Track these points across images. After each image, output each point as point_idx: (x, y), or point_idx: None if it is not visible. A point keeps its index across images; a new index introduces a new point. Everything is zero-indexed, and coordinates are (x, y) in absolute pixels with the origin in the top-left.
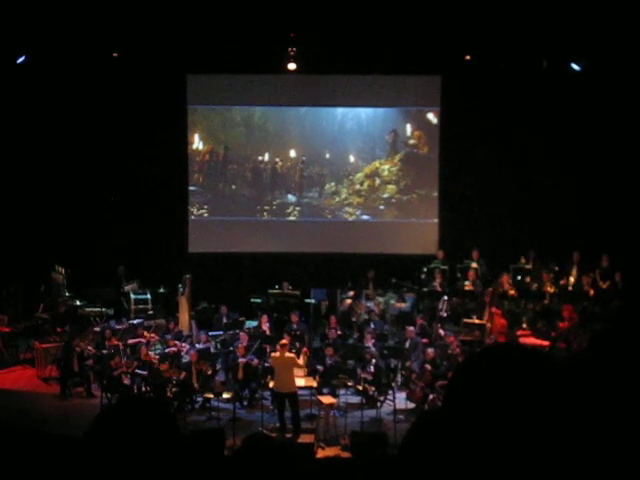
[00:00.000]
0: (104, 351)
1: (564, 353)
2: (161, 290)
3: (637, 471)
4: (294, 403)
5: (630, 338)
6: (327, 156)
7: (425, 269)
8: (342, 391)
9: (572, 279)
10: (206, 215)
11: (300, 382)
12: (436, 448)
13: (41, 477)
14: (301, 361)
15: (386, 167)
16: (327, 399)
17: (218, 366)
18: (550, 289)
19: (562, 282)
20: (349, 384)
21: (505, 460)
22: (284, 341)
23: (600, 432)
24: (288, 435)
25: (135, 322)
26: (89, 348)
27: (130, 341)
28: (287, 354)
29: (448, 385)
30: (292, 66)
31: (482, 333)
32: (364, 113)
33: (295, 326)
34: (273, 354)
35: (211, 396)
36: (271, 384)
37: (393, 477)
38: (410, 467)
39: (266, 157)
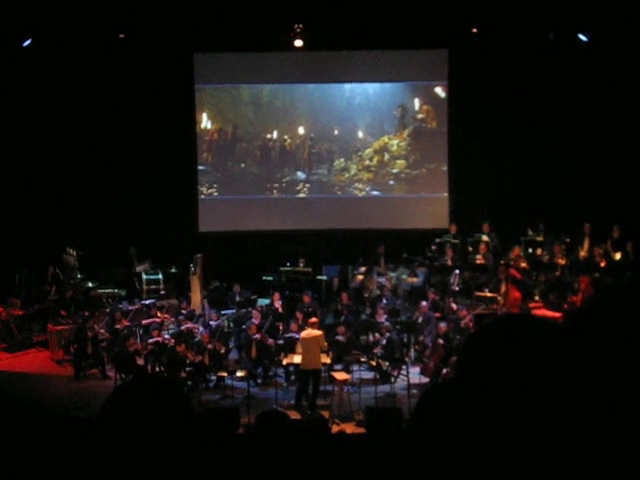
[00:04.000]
0: (117, 329)
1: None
2: (173, 270)
3: None
4: (317, 380)
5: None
6: (336, 132)
7: (436, 242)
8: (356, 367)
9: (583, 251)
10: (216, 194)
11: None
12: (446, 420)
13: (55, 458)
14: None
15: (395, 142)
16: (341, 375)
17: (231, 344)
18: (562, 261)
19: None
20: (362, 360)
21: (516, 432)
22: (314, 319)
23: (611, 404)
24: (305, 412)
25: (147, 302)
26: (102, 331)
27: (144, 322)
28: (315, 331)
29: (459, 356)
30: (299, 43)
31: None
32: (372, 88)
33: (307, 304)
34: (303, 333)
35: (225, 375)
36: (285, 361)
37: (406, 450)
38: (420, 439)
39: (275, 135)
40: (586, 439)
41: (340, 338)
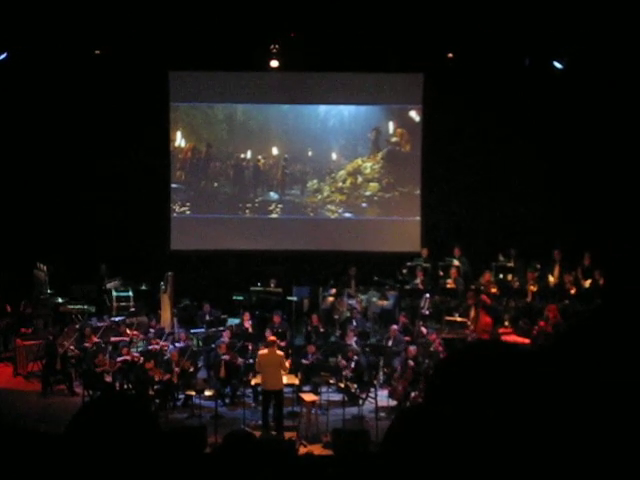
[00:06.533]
0: (87, 347)
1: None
2: (143, 287)
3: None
4: (279, 401)
5: (607, 335)
6: (309, 154)
7: (407, 265)
8: (324, 389)
9: (553, 277)
10: (188, 212)
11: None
12: (417, 444)
13: (22, 474)
14: (287, 363)
15: (368, 165)
16: (309, 397)
17: (200, 364)
18: (533, 288)
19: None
20: (331, 382)
21: (486, 456)
22: (272, 338)
23: (578, 429)
24: (271, 433)
25: (117, 319)
26: (71, 347)
27: (113, 339)
28: (276, 352)
29: (429, 381)
30: (275, 63)
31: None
32: (347, 111)
33: (277, 325)
34: (261, 351)
35: (193, 393)
36: (254, 381)
37: (375, 474)
38: (391, 463)
39: (248, 154)
40: (556, 461)
41: (309, 358)
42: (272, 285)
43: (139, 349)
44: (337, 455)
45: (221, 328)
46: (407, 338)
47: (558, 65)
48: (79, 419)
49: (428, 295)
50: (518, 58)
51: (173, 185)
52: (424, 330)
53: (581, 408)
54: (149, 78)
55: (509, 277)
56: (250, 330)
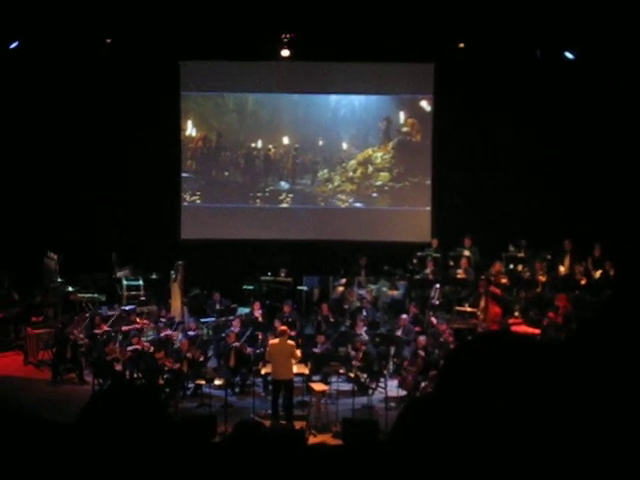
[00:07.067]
0: (97, 335)
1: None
2: (153, 276)
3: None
4: (289, 390)
5: (618, 326)
6: (320, 143)
7: (417, 255)
8: (334, 378)
9: (564, 268)
10: (199, 201)
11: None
12: (426, 434)
13: (31, 462)
14: (298, 353)
15: (379, 154)
16: (319, 386)
17: (210, 353)
18: (542, 278)
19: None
20: (341, 371)
21: (495, 447)
22: (283, 328)
23: (590, 419)
24: (280, 422)
25: (127, 308)
26: (81, 336)
27: (123, 328)
28: (287, 342)
29: (440, 372)
30: (286, 53)
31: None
32: (357, 100)
33: (287, 314)
34: (271, 341)
35: (203, 383)
36: (263, 370)
37: (384, 464)
38: (400, 453)
39: (259, 144)
40: (565, 453)
41: (319, 348)
42: (282, 274)
43: (149, 338)
44: (346, 445)
45: (231, 317)
46: (417, 328)
47: (570, 56)
48: (89, 409)
49: (438, 285)
50: (529, 48)
51: (184, 174)
52: (434, 320)
53: (590, 401)
54: (160, 67)
55: (519, 267)
56: (260, 319)
